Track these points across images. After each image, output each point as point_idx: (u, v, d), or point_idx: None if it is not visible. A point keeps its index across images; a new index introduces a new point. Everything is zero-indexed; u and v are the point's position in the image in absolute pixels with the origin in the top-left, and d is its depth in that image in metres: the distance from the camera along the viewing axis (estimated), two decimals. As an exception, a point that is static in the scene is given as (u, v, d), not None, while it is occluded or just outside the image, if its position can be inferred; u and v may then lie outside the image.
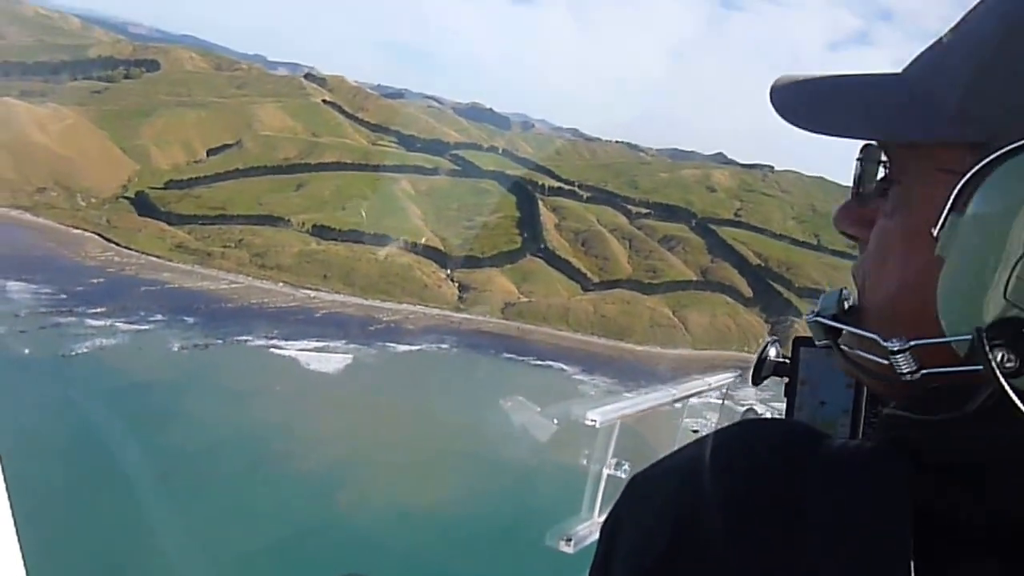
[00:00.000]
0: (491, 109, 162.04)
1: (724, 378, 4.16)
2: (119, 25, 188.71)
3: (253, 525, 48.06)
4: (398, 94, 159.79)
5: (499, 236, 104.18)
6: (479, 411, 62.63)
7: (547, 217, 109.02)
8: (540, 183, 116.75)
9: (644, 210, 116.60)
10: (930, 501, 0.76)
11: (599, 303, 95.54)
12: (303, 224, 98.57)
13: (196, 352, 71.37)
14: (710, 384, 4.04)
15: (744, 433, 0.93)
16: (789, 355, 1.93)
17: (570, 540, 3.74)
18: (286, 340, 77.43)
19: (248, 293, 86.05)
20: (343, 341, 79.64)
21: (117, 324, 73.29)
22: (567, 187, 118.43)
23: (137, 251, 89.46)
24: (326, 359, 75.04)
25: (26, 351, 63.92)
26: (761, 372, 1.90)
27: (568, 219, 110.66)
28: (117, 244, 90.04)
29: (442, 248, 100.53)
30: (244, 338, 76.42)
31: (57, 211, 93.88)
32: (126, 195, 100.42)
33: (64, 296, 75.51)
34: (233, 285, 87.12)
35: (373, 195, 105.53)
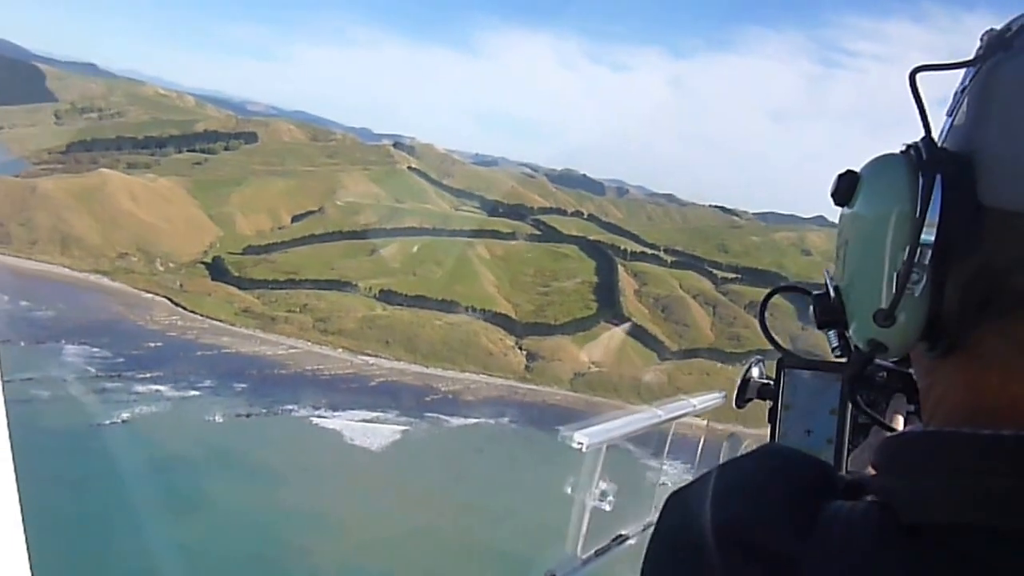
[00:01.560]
0: (585, 175, 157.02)
1: (710, 399, 3.87)
2: (237, 104, 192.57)
3: None
4: (493, 162, 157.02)
5: (574, 302, 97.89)
6: (525, 502, 55.59)
7: (626, 282, 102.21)
8: (623, 248, 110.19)
9: (732, 275, 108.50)
10: (914, 568, 0.78)
11: (675, 374, 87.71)
12: (370, 289, 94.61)
13: (235, 423, 67.26)
14: (695, 406, 3.82)
15: (759, 476, 0.94)
16: (773, 376, 1.88)
17: (555, 575, 3.31)
18: (334, 411, 72.72)
19: (305, 359, 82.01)
20: (395, 412, 74.41)
21: (163, 390, 70.18)
22: (651, 251, 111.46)
23: (202, 315, 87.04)
24: (372, 432, 69.83)
25: (62, 419, 60.92)
26: (745, 394, 1.92)
27: (649, 284, 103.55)
28: (184, 308, 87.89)
29: (513, 314, 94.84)
30: (289, 407, 72.10)
31: (134, 275, 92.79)
32: (204, 260, 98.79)
33: (120, 360, 73.09)
34: (291, 351, 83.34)
35: (446, 260, 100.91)
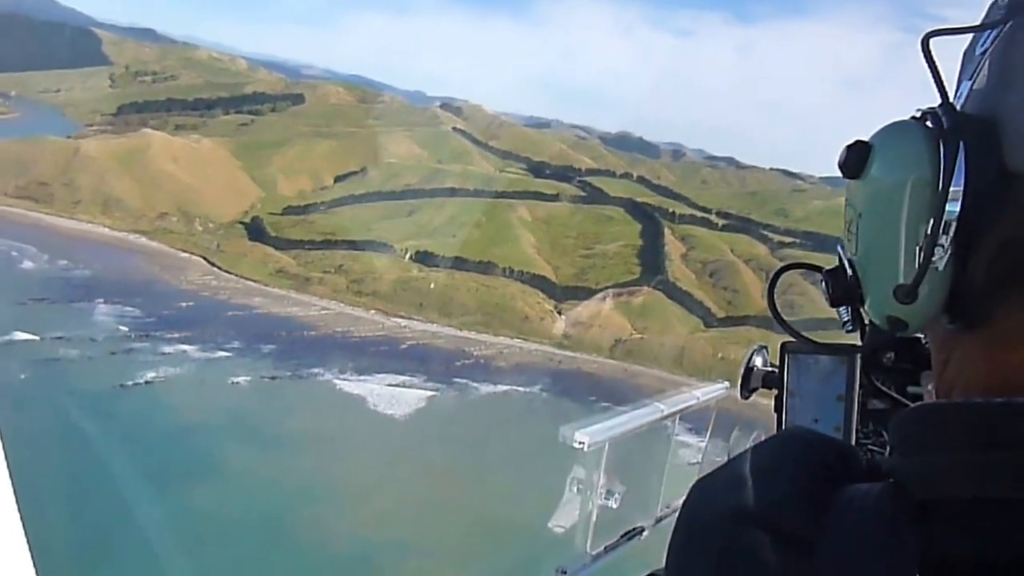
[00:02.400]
0: (641, 138, 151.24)
1: (714, 391, 3.91)
2: (292, 68, 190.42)
3: None
4: (546, 124, 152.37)
5: (616, 266, 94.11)
6: (551, 477, 52.34)
7: (673, 246, 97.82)
8: (672, 210, 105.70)
9: (789, 239, 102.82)
10: (929, 545, 0.76)
11: (720, 342, 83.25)
12: (406, 250, 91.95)
13: (260, 387, 65.27)
14: (699, 398, 3.86)
15: (776, 460, 0.91)
16: (777, 363, 1.89)
17: (564, 573, 3.34)
18: (360, 375, 70.27)
19: (336, 321, 79.81)
20: (423, 378, 71.70)
21: (189, 351, 68.61)
22: (701, 215, 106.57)
23: (237, 276, 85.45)
24: (398, 398, 67.26)
25: (87, 379, 59.72)
26: (749, 384, 1.92)
27: (697, 248, 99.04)
28: (219, 268, 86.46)
29: (552, 278, 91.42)
30: (316, 371, 69.94)
31: (172, 236, 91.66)
32: (243, 221, 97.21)
33: (150, 320, 71.73)
34: (323, 312, 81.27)
35: (486, 222, 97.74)
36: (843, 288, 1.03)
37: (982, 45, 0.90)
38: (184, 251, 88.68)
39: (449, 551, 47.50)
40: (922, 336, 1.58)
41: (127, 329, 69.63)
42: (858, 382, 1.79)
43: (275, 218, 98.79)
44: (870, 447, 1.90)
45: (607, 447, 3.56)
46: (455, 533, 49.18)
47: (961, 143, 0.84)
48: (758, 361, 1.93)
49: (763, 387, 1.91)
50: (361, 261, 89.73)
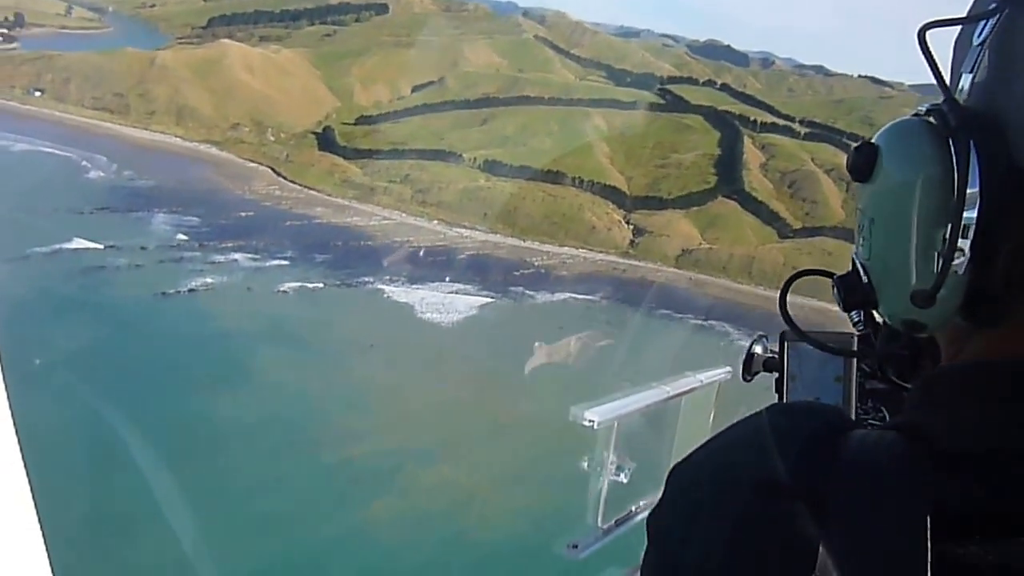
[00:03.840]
0: (729, 46, 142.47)
1: (717, 374, 3.98)
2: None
3: (273, 527, 39.04)
4: (635, 33, 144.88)
5: (691, 175, 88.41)
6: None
7: (752, 155, 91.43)
8: (753, 119, 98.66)
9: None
10: (945, 493, 0.74)
11: (793, 253, 77.59)
12: (475, 159, 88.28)
13: (305, 295, 63.27)
14: (702, 381, 3.92)
15: (772, 422, 0.89)
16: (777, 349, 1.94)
17: (576, 547, 3.46)
18: (412, 284, 67.60)
19: (395, 231, 77.18)
20: (477, 287, 68.67)
21: (240, 260, 67.07)
22: (784, 123, 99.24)
23: (302, 185, 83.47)
24: (447, 307, 64.49)
25: (129, 288, 58.85)
26: (751, 368, 1.95)
27: (777, 157, 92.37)
28: (285, 178, 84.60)
29: (624, 188, 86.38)
30: (366, 279, 67.55)
31: (243, 146, 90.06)
32: (315, 131, 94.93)
33: (206, 229, 70.40)
34: (384, 222, 78.71)
35: (559, 130, 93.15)
36: (856, 293, 0.98)
37: (979, 35, 0.86)
38: (252, 161, 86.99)
39: (480, 456, 45.17)
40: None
41: (182, 238, 68.43)
42: (855, 366, 1.81)
43: (348, 128, 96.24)
44: (870, 422, 1.87)
45: (616, 425, 3.65)
46: (487, 440, 46.75)
47: (971, 142, 0.80)
48: (758, 349, 1.92)
49: (764, 371, 1.90)
50: (428, 170, 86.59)
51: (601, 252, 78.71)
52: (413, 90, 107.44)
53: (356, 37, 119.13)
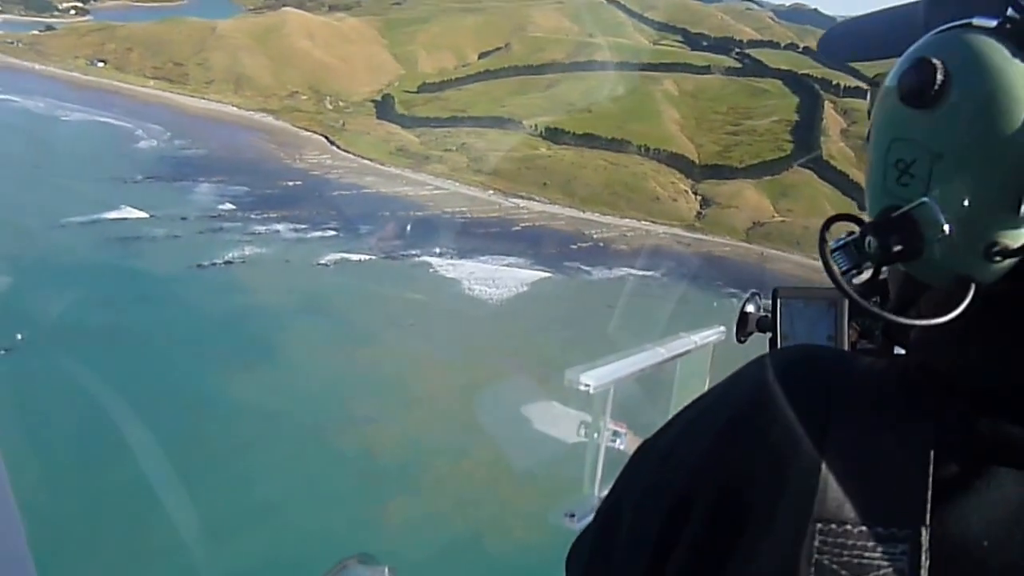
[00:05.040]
0: (816, 10, 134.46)
1: (710, 334, 3.90)
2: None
3: (278, 514, 36.14)
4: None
5: (765, 143, 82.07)
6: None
7: (832, 121, 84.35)
8: (836, 82, 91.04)
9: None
10: (953, 425, 0.71)
11: (876, 225, 70.96)
12: (536, 126, 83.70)
13: (346, 268, 59.58)
14: (696, 343, 3.87)
15: (774, 356, 0.85)
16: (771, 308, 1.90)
17: (573, 516, 3.34)
18: (461, 257, 63.42)
19: (447, 201, 73.13)
20: (530, 261, 64.14)
21: (282, 231, 64.03)
22: (870, 87, 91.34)
23: (354, 154, 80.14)
24: (496, 282, 60.18)
25: (163, 260, 56.45)
26: (745, 328, 1.92)
27: (860, 123, 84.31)
28: (338, 147, 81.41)
29: (693, 156, 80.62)
30: (412, 252, 63.65)
31: (299, 114, 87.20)
32: (374, 99, 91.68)
33: (250, 200, 67.56)
34: (436, 192, 74.79)
35: (626, 96, 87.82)
36: (902, 243, 0.78)
37: None
38: (307, 129, 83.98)
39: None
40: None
41: (225, 208, 65.63)
42: (846, 321, 1.77)
43: (408, 96, 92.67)
44: None
45: (612, 390, 3.52)
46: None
47: None
48: (750, 308, 1.88)
49: (757, 331, 1.87)
50: (486, 138, 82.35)
51: (664, 224, 73.45)
52: (479, 56, 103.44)
53: (424, 4, 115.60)
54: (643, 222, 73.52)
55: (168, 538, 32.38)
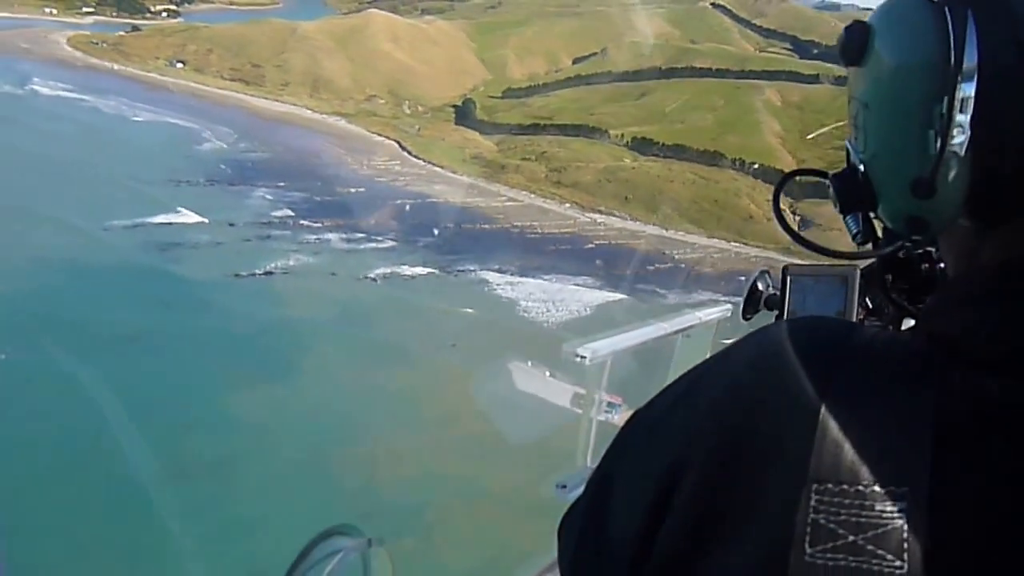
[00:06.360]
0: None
1: (716, 312, 3.83)
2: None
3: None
4: (835, 7, 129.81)
5: (878, 160, 74.54)
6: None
7: (957, 136, 76.26)
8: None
9: None
10: (957, 388, 0.70)
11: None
12: (623, 136, 78.25)
13: (394, 283, 55.93)
14: (701, 318, 3.79)
15: (766, 331, 0.83)
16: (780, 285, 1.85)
17: (565, 487, 3.29)
18: (522, 275, 58.72)
19: (519, 214, 68.43)
20: (601, 282, 58.91)
21: (333, 240, 60.72)
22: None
23: (424, 161, 76.34)
24: (558, 304, 55.20)
25: (203, 268, 53.81)
26: (752, 305, 1.89)
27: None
28: (409, 153, 77.79)
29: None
30: (470, 268, 59.38)
31: (374, 118, 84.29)
32: (455, 104, 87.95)
33: (306, 206, 64.61)
34: (508, 203, 70.16)
35: (724, 106, 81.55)
36: (853, 192, 0.88)
37: None
38: (379, 134, 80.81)
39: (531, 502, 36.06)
40: (921, 255, 1.56)
41: (279, 214, 62.84)
42: (857, 298, 1.74)
43: (492, 101, 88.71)
44: None
45: (609, 362, 3.52)
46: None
47: (970, 14, 0.73)
48: (760, 285, 1.83)
49: (765, 309, 1.82)
50: (569, 148, 77.35)
51: (757, 246, 66.76)
52: (573, 62, 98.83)
53: (521, 8, 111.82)
54: (733, 243, 67.20)
55: (166, 548, 32.00)
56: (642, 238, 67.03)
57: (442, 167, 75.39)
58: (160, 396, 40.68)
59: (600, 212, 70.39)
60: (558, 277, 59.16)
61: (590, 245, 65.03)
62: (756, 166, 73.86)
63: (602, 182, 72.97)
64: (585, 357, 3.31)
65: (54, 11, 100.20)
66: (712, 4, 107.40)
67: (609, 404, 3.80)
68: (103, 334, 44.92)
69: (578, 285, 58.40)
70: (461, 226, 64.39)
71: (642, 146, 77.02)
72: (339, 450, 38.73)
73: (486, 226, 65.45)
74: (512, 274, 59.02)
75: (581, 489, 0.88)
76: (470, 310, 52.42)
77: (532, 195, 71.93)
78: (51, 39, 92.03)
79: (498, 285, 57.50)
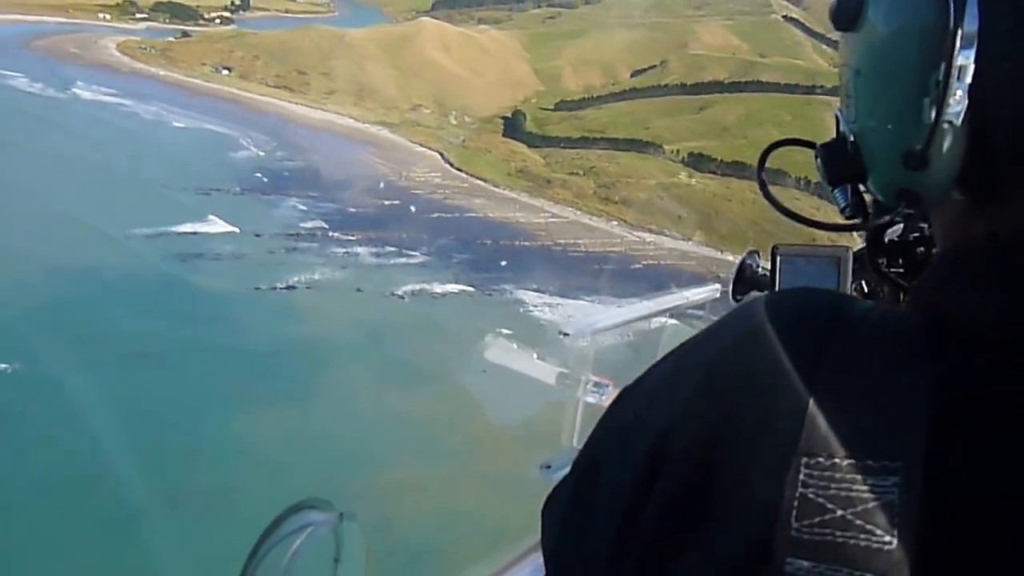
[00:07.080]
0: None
1: (705, 292, 3.80)
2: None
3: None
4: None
5: (958, 180, 69.60)
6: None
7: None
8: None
9: None
10: (954, 363, 0.69)
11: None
12: (678, 152, 74.33)
13: (422, 301, 52.78)
14: (688, 299, 3.78)
15: (757, 303, 0.79)
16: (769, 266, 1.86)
17: (549, 467, 3.25)
18: (562, 296, 55.08)
19: (562, 231, 64.93)
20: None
21: (362, 254, 57.97)
22: None
23: (467, 174, 73.38)
24: (592, 327, 51.39)
25: (223, 280, 51.58)
26: (742, 284, 1.88)
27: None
28: (451, 165, 74.96)
29: (865, 192, 69.20)
30: (506, 287, 55.93)
31: (419, 128, 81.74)
32: (504, 115, 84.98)
33: (338, 218, 62.04)
34: (551, 220, 66.70)
35: (790, 120, 77.10)
36: (842, 163, 0.85)
37: None
38: (422, 145, 78.20)
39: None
40: (917, 238, 1.55)
41: (309, 226, 60.40)
42: (850, 280, 1.75)
43: (543, 113, 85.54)
44: None
45: (595, 342, 3.47)
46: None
47: None
48: (750, 264, 1.84)
49: (755, 290, 1.82)
50: (619, 163, 73.70)
51: (820, 271, 62.47)
52: (632, 75, 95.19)
53: (581, 19, 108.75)
54: (793, 267, 62.73)
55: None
56: (694, 259, 62.98)
57: (484, 180, 72.35)
58: (163, 415, 38.50)
59: (650, 231, 66.54)
60: (600, 298, 55.21)
61: (637, 265, 61.17)
62: (823, 186, 69.11)
63: (653, 199, 69.14)
64: (568, 334, 3.32)
65: (108, 16, 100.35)
66: (784, 17, 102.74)
67: (596, 384, 3.74)
68: (110, 347, 42.78)
69: (620, 308, 54.51)
70: (499, 242, 61.22)
71: (699, 162, 73.03)
72: (352, 482, 35.50)
73: (526, 243, 62.11)
74: (551, 294, 55.51)
75: (566, 470, 0.87)
76: (506, 331, 48.91)
77: (577, 211, 68.46)
78: (101, 44, 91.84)
79: (534, 306, 54.02)
